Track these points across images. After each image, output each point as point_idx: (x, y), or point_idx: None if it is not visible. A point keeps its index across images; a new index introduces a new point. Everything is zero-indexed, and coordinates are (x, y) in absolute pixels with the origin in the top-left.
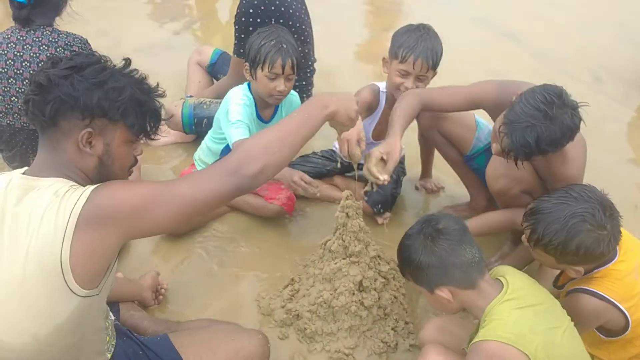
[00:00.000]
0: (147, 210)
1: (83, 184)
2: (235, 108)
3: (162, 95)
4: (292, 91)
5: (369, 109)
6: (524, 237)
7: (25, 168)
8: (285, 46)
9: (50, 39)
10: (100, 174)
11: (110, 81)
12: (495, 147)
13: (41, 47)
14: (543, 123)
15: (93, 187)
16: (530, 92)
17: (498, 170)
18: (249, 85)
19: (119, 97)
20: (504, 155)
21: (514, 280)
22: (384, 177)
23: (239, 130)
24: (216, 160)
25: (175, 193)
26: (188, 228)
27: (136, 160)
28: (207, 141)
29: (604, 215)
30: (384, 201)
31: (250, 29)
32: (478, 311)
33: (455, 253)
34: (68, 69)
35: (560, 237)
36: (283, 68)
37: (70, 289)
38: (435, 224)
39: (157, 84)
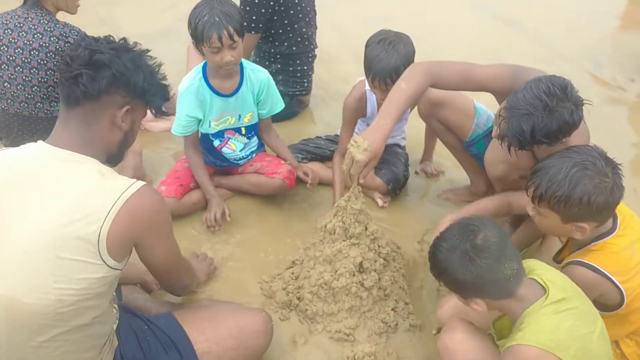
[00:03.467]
0: (159, 239)
1: (101, 160)
2: (179, 103)
3: (165, 78)
4: (264, 70)
5: (360, 112)
6: (529, 207)
7: (40, 141)
8: (218, 19)
9: (47, 27)
10: (120, 148)
11: (146, 65)
12: (495, 130)
13: (35, 35)
14: (541, 113)
15: (141, 183)
16: (536, 81)
17: (497, 156)
18: (204, 64)
19: (153, 80)
20: (500, 140)
21: (552, 282)
22: (359, 182)
23: (175, 126)
24: None
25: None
26: (186, 211)
27: None
28: None
29: (605, 164)
30: (396, 179)
31: (256, 1)
32: (514, 315)
33: (493, 271)
34: (115, 50)
35: (563, 187)
36: (220, 41)
37: (102, 258)
38: (474, 238)
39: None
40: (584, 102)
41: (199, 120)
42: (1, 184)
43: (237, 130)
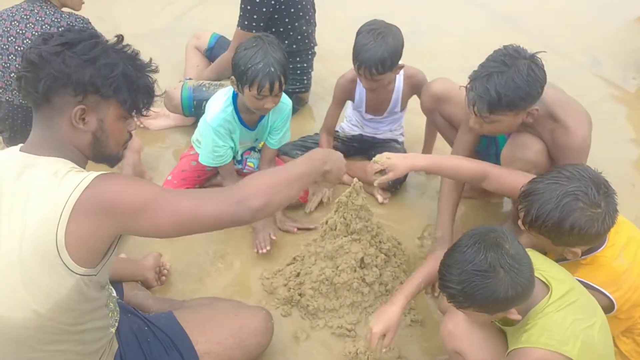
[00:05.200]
0: (146, 213)
1: (80, 162)
2: (207, 132)
3: (155, 71)
4: (287, 101)
5: (350, 93)
6: (520, 222)
7: (21, 145)
8: (273, 69)
9: (53, 18)
10: (96, 150)
11: (102, 57)
12: (470, 120)
13: (43, 27)
14: (500, 70)
15: (97, 173)
16: (493, 52)
17: (514, 153)
18: (234, 94)
19: (111, 73)
20: (471, 111)
21: (553, 278)
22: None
23: (208, 158)
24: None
25: (177, 204)
26: None
27: (131, 136)
28: None
29: (597, 194)
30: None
31: (257, 0)
32: (521, 311)
33: (533, 275)
34: (59, 46)
35: (554, 217)
36: (271, 91)
37: (68, 267)
38: (505, 249)
39: (150, 60)
40: (538, 52)
41: (232, 148)
42: None
43: (252, 149)
